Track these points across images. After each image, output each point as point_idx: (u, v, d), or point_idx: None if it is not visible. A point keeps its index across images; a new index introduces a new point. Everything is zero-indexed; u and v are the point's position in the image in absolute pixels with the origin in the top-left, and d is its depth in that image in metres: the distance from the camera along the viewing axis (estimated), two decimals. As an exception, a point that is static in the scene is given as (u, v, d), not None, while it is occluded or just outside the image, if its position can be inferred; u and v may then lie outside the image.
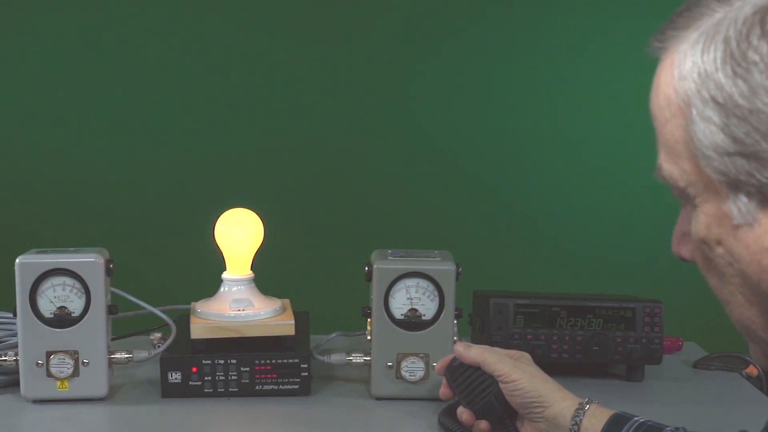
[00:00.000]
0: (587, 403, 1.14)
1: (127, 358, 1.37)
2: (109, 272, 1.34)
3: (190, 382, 1.36)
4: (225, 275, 1.42)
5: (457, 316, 1.36)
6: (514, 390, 1.17)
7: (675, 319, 1.56)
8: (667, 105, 0.73)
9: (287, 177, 2.41)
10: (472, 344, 1.25)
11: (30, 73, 2.36)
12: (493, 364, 1.20)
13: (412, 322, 1.35)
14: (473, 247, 2.33)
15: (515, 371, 1.18)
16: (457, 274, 1.35)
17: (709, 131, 0.69)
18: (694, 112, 0.70)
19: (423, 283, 1.35)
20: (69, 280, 1.31)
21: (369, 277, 1.36)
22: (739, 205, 0.70)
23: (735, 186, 0.70)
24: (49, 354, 1.31)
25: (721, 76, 0.68)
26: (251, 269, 1.43)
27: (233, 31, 2.37)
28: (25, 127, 2.37)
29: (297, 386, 1.37)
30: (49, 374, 1.31)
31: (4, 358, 1.34)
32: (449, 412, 1.26)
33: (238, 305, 1.39)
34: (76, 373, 1.32)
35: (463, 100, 2.42)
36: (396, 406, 1.36)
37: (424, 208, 2.43)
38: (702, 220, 0.74)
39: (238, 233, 1.42)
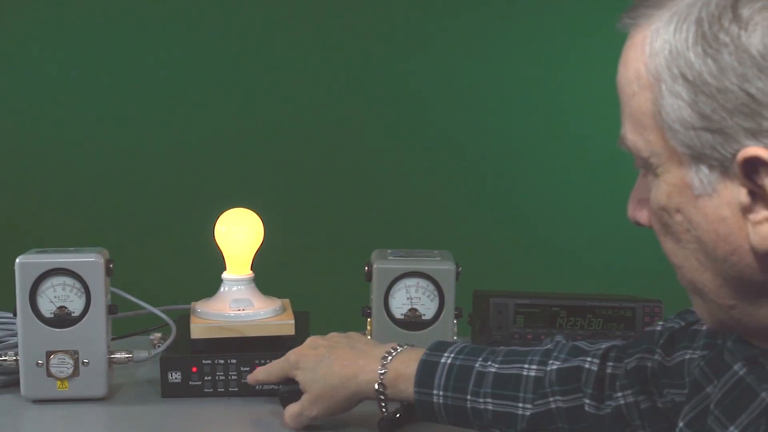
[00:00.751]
0: (380, 382, 1.15)
1: (127, 358, 1.37)
2: (109, 272, 1.34)
3: (190, 382, 1.35)
4: (225, 275, 1.42)
5: (457, 316, 1.36)
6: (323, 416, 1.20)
7: (675, 319, 1.55)
8: (636, 79, 0.76)
9: (287, 177, 2.41)
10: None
11: (30, 73, 2.36)
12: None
13: (412, 322, 1.35)
14: (473, 247, 2.33)
15: (308, 412, 1.20)
16: (457, 274, 1.35)
17: (677, 106, 0.73)
18: (664, 87, 0.73)
19: (423, 282, 1.35)
20: (69, 280, 1.31)
21: (369, 277, 1.36)
22: (701, 177, 0.73)
23: (698, 158, 0.73)
24: (49, 354, 1.31)
25: (691, 55, 0.71)
26: (251, 269, 1.43)
27: (233, 30, 2.38)
28: (25, 127, 2.37)
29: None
30: (49, 374, 1.31)
31: (4, 358, 1.34)
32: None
33: (238, 305, 1.39)
34: (76, 373, 1.32)
35: (463, 100, 2.42)
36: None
37: (424, 208, 2.44)
38: (663, 188, 0.77)
39: (238, 233, 1.42)
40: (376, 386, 1.15)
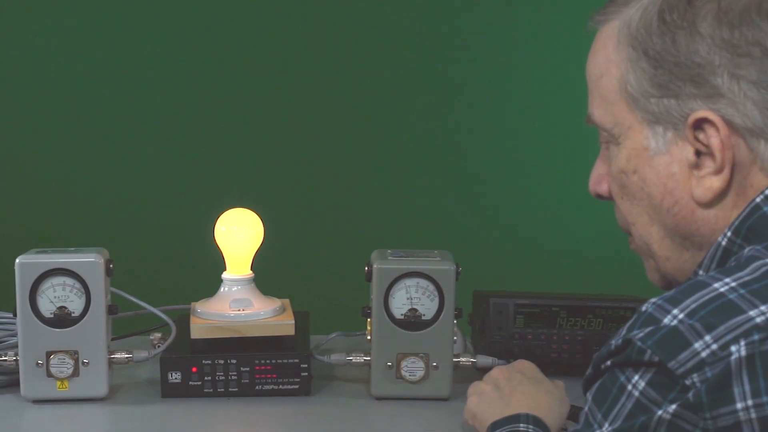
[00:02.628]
0: None
1: (127, 358, 1.37)
2: (109, 272, 1.34)
3: (190, 382, 1.36)
4: (225, 275, 1.42)
5: (457, 316, 1.36)
6: None
7: (675, 319, 1.55)
8: (606, 62, 0.92)
9: (287, 177, 2.41)
10: None
11: (30, 73, 2.35)
12: None
13: (412, 322, 1.35)
14: (473, 247, 2.32)
15: None
16: (457, 274, 1.35)
17: (641, 78, 0.89)
18: (630, 64, 0.89)
19: (423, 283, 1.35)
20: (69, 280, 1.31)
21: (369, 277, 1.36)
22: (657, 138, 0.89)
23: (656, 121, 0.88)
24: (49, 354, 1.31)
25: (654, 36, 0.88)
26: (251, 269, 1.43)
27: (232, 30, 2.37)
28: (25, 127, 2.37)
29: (297, 386, 1.37)
30: (49, 374, 1.31)
31: (4, 358, 1.34)
32: None
33: (238, 305, 1.39)
34: (76, 373, 1.32)
35: (462, 100, 2.42)
36: (396, 406, 1.36)
37: (424, 208, 2.43)
38: (623, 153, 0.92)
39: (238, 233, 1.42)
40: None
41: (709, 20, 0.86)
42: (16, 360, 1.33)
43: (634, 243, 0.99)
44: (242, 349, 1.37)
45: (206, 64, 2.38)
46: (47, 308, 1.31)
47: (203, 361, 1.36)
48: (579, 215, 2.43)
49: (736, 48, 0.85)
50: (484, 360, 1.42)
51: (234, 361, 1.36)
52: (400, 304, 1.35)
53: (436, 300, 1.35)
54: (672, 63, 0.87)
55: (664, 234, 0.93)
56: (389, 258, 1.37)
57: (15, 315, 1.32)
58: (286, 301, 1.46)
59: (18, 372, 1.33)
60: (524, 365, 1.25)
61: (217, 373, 1.36)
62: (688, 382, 0.73)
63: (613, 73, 0.91)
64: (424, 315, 1.35)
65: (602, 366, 0.80)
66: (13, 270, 1.31)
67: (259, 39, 2.38)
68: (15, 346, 1.35)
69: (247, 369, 1.36)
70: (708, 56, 0.85)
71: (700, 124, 0.86)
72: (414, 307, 1.35)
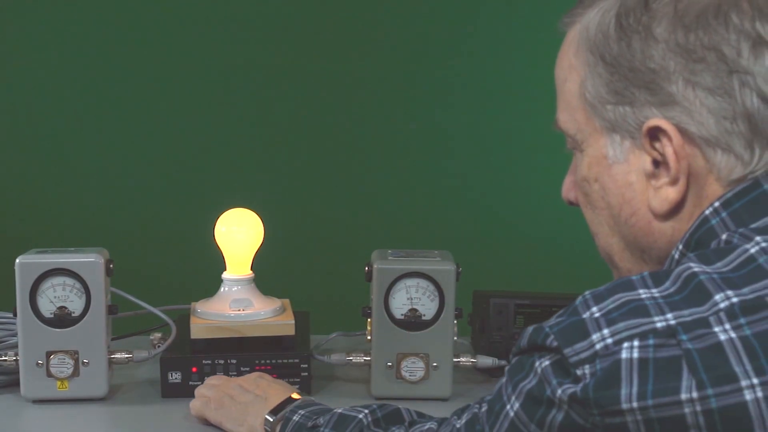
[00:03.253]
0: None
1: (127, 358, 1.37)
2: (109, 272, 1.34)
3: (190, 382, 1.35)
4: (225, 275, 1.42)
5: (457, 316, 1.36)
6: None
7: (675, 319, 1.55)
8: (569, 67, 0.90)
9: (287, 177, 2.41)
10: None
11: (30, 73, 2.36)
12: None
13: (412, 322, 1.35)
14: (473, 247, 2.32)
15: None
16: (457, 274, 1.35)
17: (597, 84, 0.86)
18: (588, 69, 0.87)
19: (423, 283, 1.35)
20: (69, 280, 1.31)
21: (369, 277, 1.36)
22: (615, 147, 0.86)
23: (613, 129, 0.86)
24: (49, 354, 1.31)
25: (611, 41, 0.85)
26: (251, 269, 1.43)
27: (232, 30, 2.38)
28: (25, 127, 2.37)
29: (297, 386, 1.37)
30: (49, 374, 1.31)
31: (4, 358, 1.34)
32: None
33: (238, 305, 1.39)
34: (76, 373, 1.32)
35: (463, 100, 2.42)
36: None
37: (424, 208, 2.43)
38: (585, 161, 0.90)
39: (238, 233, 1.42)
40: None
41: (664, 24, 0.82)
42: (16, 360, 1.33)
43: (600, 251, 0.97)
44: (242, 349, 1.37)
45: (206, 65, 2.38)
46: (47, 308, 1.31)
47: (203, 361, 1.36)
48: (579, 215, 2.43)
49: (690, 53, 0.81)
50: (484, 360, 1.42)
51: (234, 361, 1.36)
52: (400, 304, 1.35)
53: (437, 300, 1.35)
54: (627, 69, 0.84)
55: (624, 246, 0.91)
56: (389, 258, 1.37)
57: (15, 315, 1.32)
58: (286, 301, 1.46)
59: (18, 372, 1.33)
60: (260, 374, 1.32)
61: (217, 374, 1.36)
62: (579, 372, 0.74)
63: (574, 78, 0.89)
64: (424, 315, 1.35)
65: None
66: (13, 270, 1.31)
67: (258, 39, 2.38)
68: (15, 346, 1.35)
69: (247, 369, 1.36)
70: (663, 62, 0.82)
71: (655, 133, 0.83)
72: (414, 307, 1.35)
